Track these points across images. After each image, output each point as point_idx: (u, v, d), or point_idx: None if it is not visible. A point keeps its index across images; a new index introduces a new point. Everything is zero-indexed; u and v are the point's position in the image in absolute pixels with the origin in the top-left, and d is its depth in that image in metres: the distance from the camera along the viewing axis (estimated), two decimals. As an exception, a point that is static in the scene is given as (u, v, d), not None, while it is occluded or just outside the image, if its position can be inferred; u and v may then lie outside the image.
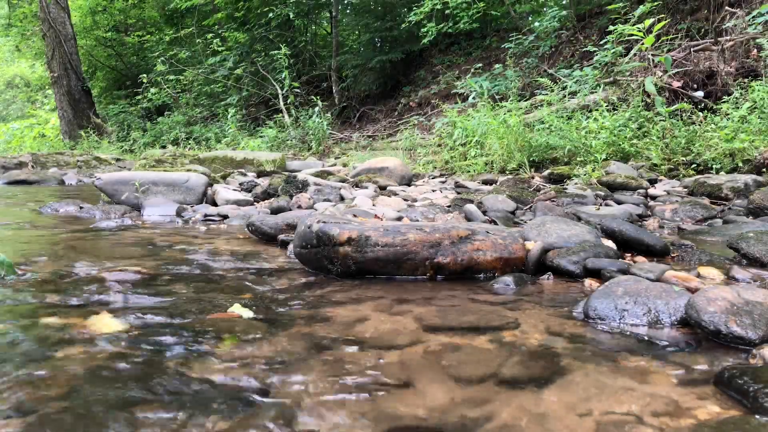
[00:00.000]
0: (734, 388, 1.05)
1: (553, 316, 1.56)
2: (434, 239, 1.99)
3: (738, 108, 5.18)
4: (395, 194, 4.55)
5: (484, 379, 1.14)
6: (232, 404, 1.01)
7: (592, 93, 6.75)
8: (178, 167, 6.30)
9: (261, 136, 11.84)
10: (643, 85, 5.79)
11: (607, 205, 3.63)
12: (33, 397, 1.01)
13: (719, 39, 6.37)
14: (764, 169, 4.23)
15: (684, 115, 5.60)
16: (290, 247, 2.42)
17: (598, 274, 1.95)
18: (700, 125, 5.26)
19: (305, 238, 2.09)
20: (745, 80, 5.75)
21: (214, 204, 4.33)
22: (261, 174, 6.59)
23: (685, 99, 5.89)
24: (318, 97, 12.24)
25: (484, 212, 3.37)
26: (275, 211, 3.61)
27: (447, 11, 11.40)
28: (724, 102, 5.44)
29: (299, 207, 3.76)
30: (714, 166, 4.60)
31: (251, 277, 2.02)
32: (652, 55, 6.40)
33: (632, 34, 6.16)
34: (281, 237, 2.73)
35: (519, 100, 7.59)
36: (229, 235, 3.06)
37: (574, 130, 5.71)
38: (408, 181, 5.88)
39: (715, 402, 1.03)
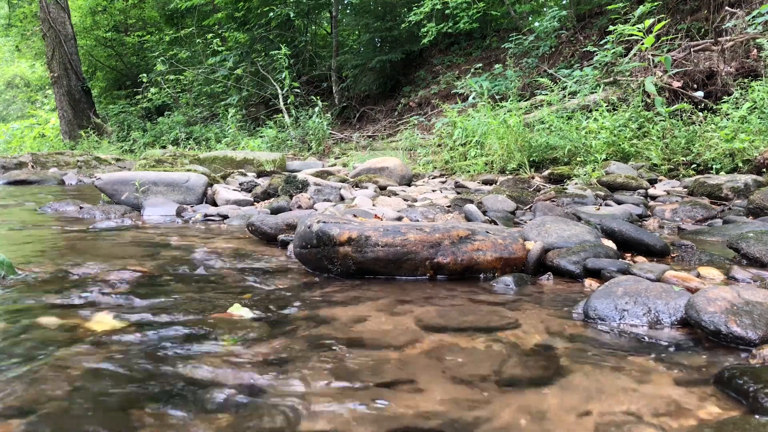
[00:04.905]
0: (734, 388, 1.05)
1: (553, 316, 1.56)
2: (434, 239, 1.99)
3: (738, 108, 5.18)
4: (395, 194, 4.55)
5: (484, 379, 1.14)
6: (232, 404, 1.01)
7: (592, 93, 6.75)
8: (178, 167, 6.30)
9: (261, 136, 11.84)
10: (643, 85, 5.79)
11: (607, 205, 3.63)
12: (33, 397, 1.01)
13: (719, 39, 6.37)
14: (764, 169, 4.23)
15: (684, 115, 5.60)
16: (290, 247, 2.42)
17: (598, 274, 1.95)
18: (700, 125, 5.26)
19: (305, 238, 2.09)
20: (745, 80, 5.75)
21: (214, 204, 4.33)
22: (261, 174, 6.59)
23: (685, 99, 5.89)
24: (318, 97, 12.24)
25: (484, 212, 3.37)
26: (275, 211, 3.61)
27: (447, 11, 11.40)
28: (724, 102, 5.44)
29: (299, 207, 3.75)
30: (714, 166, 4.60)
31: (251, 277, 2.02)
32: (652, 55, 6.40)
33: (632, 34, 6.16)
34: (281, 237, 2.73)
35: (519, 100, 7.60)
36: (229, 235, 3.06)
37: (574, 130, 5.71)
38: (408, 181, 5.88)
39: (715, 402, 1.03)
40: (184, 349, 1.27)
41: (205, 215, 3.73)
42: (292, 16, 14.15)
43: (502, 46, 10.94)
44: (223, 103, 14.79)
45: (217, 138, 13.15)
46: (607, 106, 6.04)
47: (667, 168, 4.93)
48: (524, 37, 10.36)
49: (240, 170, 6.66)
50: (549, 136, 5.84)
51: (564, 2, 12.10)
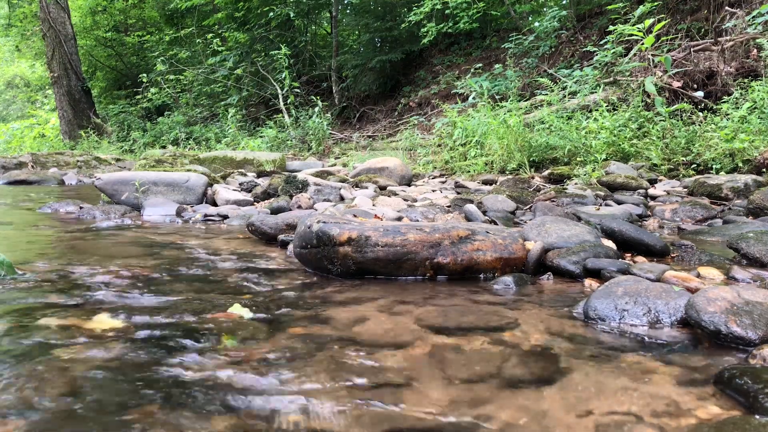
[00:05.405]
0: (734, 388, 1.05)
1: (553, 316, 1.56)
2: (434, 239, 1.99)
3: (738, 108, 5.18)
4: (395, 194, 4.55)
5: (484, 379, 1.14)
6: (232, 404, 1.01)
7: (592, 93, 6.75)
8: (178, 167, 6.30)
9: (261, 136, 11.84)
10: (643, 85, 5.79)
11: (607, 205, 3.63)
12: (33, 398, 1.01)
13: (719, 39, 6.37)
14: (764, 169, 4.23)
15: (684, 115, 5.60)
16: (290, 247, 2.42)
17: (598, 275, 1.95)
18: (700, 125, 5.26)
19: (305, 238, 2.09)
20: (745, 80, 5.75)
21: (214, 204, 4.33)
22: (261, 174, 6.59)
23: (685, 99, 5.89)
24: (318, 97, 12.24)
25: (484, 212, 3.37)
26: (275, 211, 3.61)
27: (447, 11, 11.40)
28: (724, 102, 5.44)
29: (299, 207, 3.75)
30: (714, 166, 4.60)
31: (251, 277, 2.02)
32: (652, 55, 6.40)
33: (632, 34, 6.16)
34: (281, 237, 2.73)
35: (519, 100, 7.60)
36: (229, 235, 3.06)
37: (574, 130, 5.72)
38: (408, 181, 5.88)
39: (715, 402, 1.03)
40: (183, 348, 1.27)
41: (205, 215, 3.73)
42: (292, 16, 14.15)
43: (502, 46, 10.94)
44: (223, 103, 14.79)
45: (217, 138, 13.15)
46: (607, 106, 6.04)
47: (667, 168, 4.93)
48: (524, 37, 10.36)
49: (240, 170, 6.66)
50: (549, 136, 5.84)
51: (564, 2, 12.10)
